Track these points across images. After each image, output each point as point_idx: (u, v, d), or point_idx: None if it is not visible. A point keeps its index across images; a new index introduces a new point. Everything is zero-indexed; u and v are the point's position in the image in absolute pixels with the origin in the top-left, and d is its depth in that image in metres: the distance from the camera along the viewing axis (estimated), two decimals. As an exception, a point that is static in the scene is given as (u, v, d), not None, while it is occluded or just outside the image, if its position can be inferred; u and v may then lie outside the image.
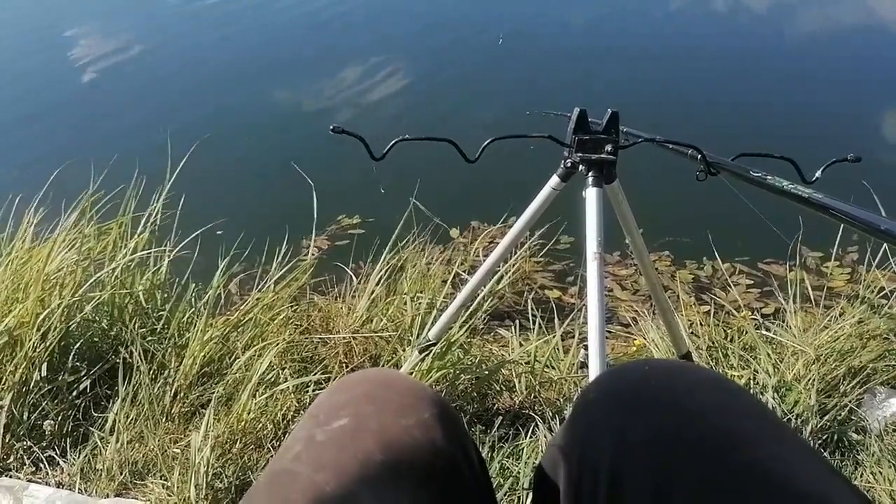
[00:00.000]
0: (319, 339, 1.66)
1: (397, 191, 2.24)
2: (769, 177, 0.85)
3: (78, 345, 1.54)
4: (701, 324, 1.81)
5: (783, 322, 1.76)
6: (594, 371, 0.91)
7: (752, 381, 1.56)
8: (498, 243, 1.24)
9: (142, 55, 4.67)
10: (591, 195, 0.98)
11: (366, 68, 4.37)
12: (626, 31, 4.86)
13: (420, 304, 1.73)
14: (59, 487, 1.34)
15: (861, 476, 1.37)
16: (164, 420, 1.44)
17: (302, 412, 1.46)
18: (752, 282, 2.30)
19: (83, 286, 1.61)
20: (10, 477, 1.36)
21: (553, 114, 1.19)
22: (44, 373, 1.47)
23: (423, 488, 0.46)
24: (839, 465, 1.40)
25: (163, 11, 5.60)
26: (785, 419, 1.45)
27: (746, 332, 1.72)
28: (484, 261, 1.24)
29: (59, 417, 1.44)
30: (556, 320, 1.83)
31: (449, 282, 1.88)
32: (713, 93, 3.89)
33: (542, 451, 1.38)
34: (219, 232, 2.05)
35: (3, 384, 1.44)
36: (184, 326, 1.64)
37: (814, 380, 1.50)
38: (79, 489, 1.33)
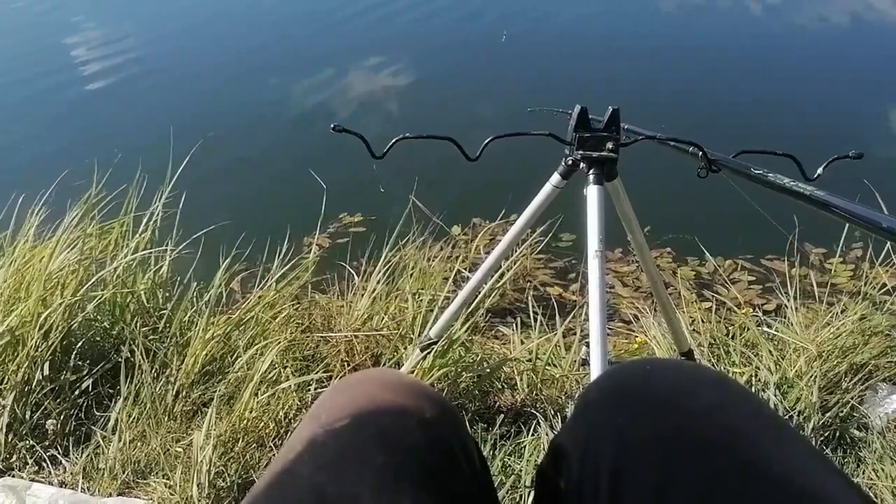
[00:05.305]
0: (321, 337, 1.66)
1: (399, 189, 2.24)
2: (770, 174, 0.85)
3: (80, 344, 1.54)
4: (703, 321, 1.81)
5: (785, 319, 1.76)
6: (596, 368, 0.91)
7: (753, 378, 1.56)
8: (499, 241, 1.24)
9: (144, 54, 4.66)
10: (592, 193, 0.98)
11: (367, 66, 4.37)
12: (627, 28, 4.85)
13: (421, 301, 1.73)
14: (61, 487, 1.34)
15: (863, 473, 1.37)
16: (166, 419, 1.44)
17: (304, 410, 1.46)
18: (754, 278, 2.30)
19: (85, 285, 1.61)
20: (14, 476, 1.36)
21: (554, 111, 1.19)
22: (46, 372, 1.47)
23: (425, 489, 0.46)
24: (841, 462, 1.40)
25: (166, 10, 5.59)
26: (787, 416, 1.45)
27: (748, 329, 1.72)
28: (485, 258, 1.24)
29: (62, 417, 1.45)
30: (557, 318, 1.82)
31: (450, 279, 1.88)
32: (714, 90, 3.89)
33: (543, 448, 1.39)
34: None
35: (6, 383, 1.44)
36: (185, 325, 1.64)
37: (816, 377, 1.50)
38: (81, 488, 1.34)
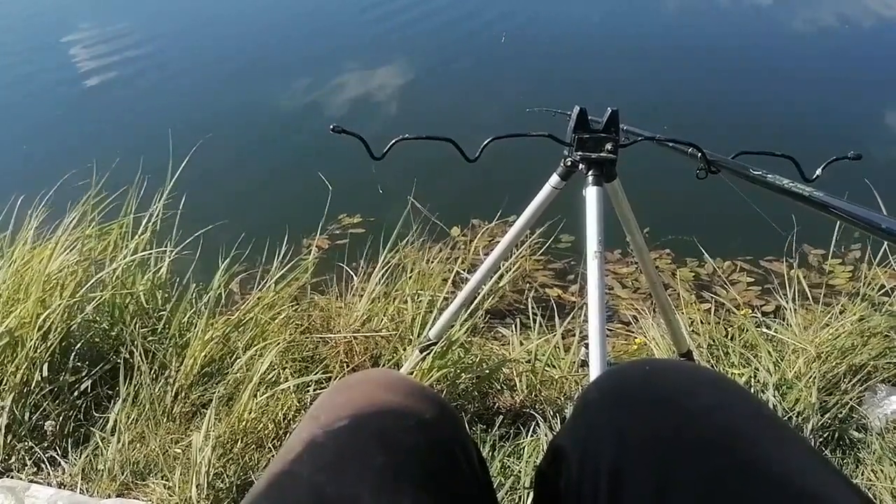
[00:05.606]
0: (320, 338, 1.66)
1: (398, 190, 2.24)
2: (769, 175, 0.85)
3: (79, 345, 1.54)
4: (702, 322, 1.81)
5: (784, 320, 1.76)
6: (595, 369, 0.91)
7: (752, 380, 1.56)
8: (498, 242, 1.24)
9: (144, 55, 4.66)
10: (591, 194, 0.98)
11: (367, 67, 4.37)
12: (627, 29, 4.86)
13: (420, 303, 1.73)
14: (60, 488, 1.34)
15: (862, 474, 1.37)
16: (165, 420, 1.44)
17: (303, 412, 1.46)
18: (753, 279, 2.30)
19: (84, 286, 1.61)
20: (12, 477, 1.36)
21: (553, 112, 1.19)
22: (45, 373, 1.47)
23: (425, 489, 0.46)
24: (840, 463, 1.40)
25: (166, 10, 5.59)
26: (786, 417, 1.45)
27: (747, 330, 1.72)
28: (484, 259, 1.24)
29: (61, 418, 1.44)
30: (556, 319, 1.82)
31: (450, 280, 1.88)
32: (713, 91, 3.89)
33: (542, 449, 1.38)
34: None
35: (5, 385, 1.44)
36: (185, 326, 1.64)
37: (815, 378, 1.50)
38: (80, 489, 1.34)
